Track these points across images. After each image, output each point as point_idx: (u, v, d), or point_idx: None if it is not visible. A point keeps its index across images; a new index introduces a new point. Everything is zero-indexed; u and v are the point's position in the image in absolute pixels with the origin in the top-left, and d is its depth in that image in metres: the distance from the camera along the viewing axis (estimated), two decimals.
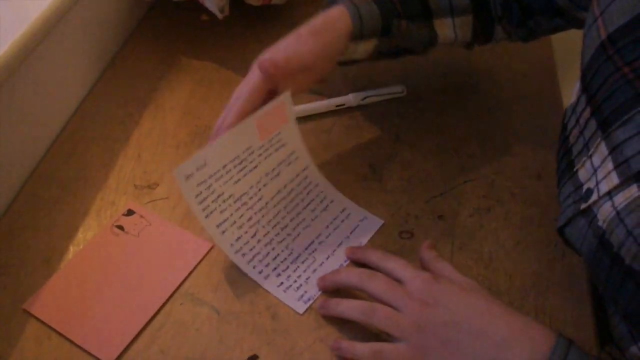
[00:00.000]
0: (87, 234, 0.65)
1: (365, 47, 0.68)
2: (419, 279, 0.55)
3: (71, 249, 0.63)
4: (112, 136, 0.75)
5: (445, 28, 0.72)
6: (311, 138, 0.74)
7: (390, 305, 0.54)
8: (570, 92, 0.94)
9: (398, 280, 0.56)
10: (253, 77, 0.63)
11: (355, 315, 0.56)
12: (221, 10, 0.82)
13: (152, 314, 0.58)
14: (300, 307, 0.59)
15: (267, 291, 0.60)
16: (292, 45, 0.64)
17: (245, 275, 0.61)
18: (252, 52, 0.88)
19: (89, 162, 0.72)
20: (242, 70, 0.85)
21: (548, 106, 0.82)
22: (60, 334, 0.56)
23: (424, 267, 0.61)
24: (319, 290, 0.60)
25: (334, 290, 0.60)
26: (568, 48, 1.16)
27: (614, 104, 0.53)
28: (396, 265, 0.57)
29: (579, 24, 0.67)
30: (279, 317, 0.58)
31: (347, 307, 0.57)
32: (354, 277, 0.58)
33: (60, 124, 0.76)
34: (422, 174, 0.72)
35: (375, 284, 0.56)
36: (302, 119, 0.77)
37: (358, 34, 0.66)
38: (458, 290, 0.54)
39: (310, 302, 0.59)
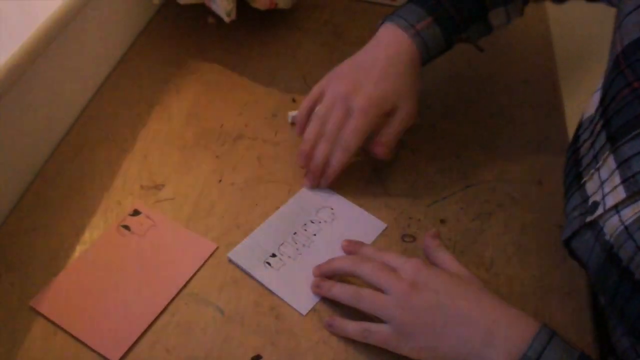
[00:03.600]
0: (93, 233, 0.65)
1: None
2: (410, 263, 0.56)
3: (77, 248, 0.64)
4: (119, 137, 0.76)
5: (499, 17, 0.74)
6: None
7: (379, 289, 0.55)
8: (571, 98, 0.94)
9: (392, 269, 0.57)
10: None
11: (345, 298, 0.57)
12: (228, 14, 0.83)
13: (157, 313, 0.59)
14: (304, 308, 0.60)
15: (271, 292, 0.61)
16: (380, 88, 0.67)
17: (249, 275, 0.62)
18: (258, 55, 0.90)
19: (96, 162, 0.73)
20: (248, 72, 0.86)
21: (549, 112, 0.82)
22: (66, 332, 0.57)
23: (426, 254, 0.63)
24: (314, 276, 0.61)
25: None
26: (569, 53, 1.16)
27: (623, 119, 0.53)
28: (390, 255, 0.58)
29: None
30: (283, 318, 0.59)
31: (338, 291, 0.58)
32: (347, 262, 0.60)
33: (68, 124, 0.77)
34: (424, 179, 0.73)
35: (366, 266, 0.57)
36: None
37: (425, 60, 0.71)
38: (448, 276, 0.55)
39: (314, 303, 0.60)
